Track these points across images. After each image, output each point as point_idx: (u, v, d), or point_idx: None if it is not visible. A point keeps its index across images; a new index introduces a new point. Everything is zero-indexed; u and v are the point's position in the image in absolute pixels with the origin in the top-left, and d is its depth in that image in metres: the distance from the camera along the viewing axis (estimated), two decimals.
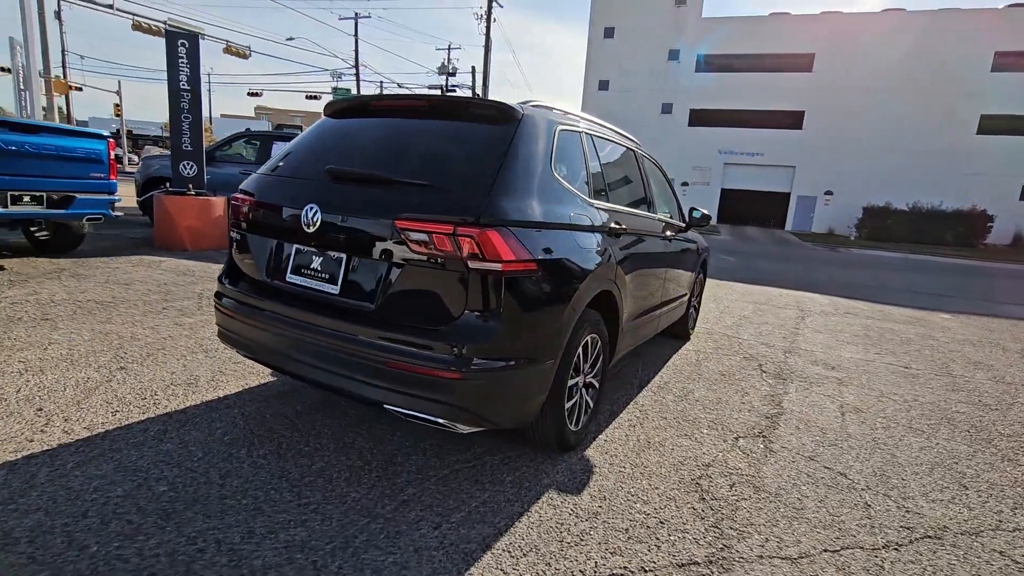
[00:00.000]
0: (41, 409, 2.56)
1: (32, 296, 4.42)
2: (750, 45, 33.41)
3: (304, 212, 2.14)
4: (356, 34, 35.83)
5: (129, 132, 47.59)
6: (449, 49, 39.59)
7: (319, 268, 2.18)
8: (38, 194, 5.19)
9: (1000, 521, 2.39)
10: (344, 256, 2.12)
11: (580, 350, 2.49)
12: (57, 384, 2.84)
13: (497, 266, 1.91)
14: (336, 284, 2.13)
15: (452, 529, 1.96)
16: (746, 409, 3.45)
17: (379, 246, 2.02)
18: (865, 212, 29.38)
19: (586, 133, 2.81)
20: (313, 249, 2.19)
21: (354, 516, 1.98)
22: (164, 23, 20.44)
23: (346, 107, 2.61)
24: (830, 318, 6.94)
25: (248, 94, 39.68)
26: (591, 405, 2.77)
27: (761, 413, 3.41)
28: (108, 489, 2.00)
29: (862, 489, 2.56)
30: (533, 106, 2.53)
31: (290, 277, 2.25)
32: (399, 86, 38.29)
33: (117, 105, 41.70)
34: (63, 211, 5.45)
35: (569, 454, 2.61)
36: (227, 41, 23.14)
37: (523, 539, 1.95)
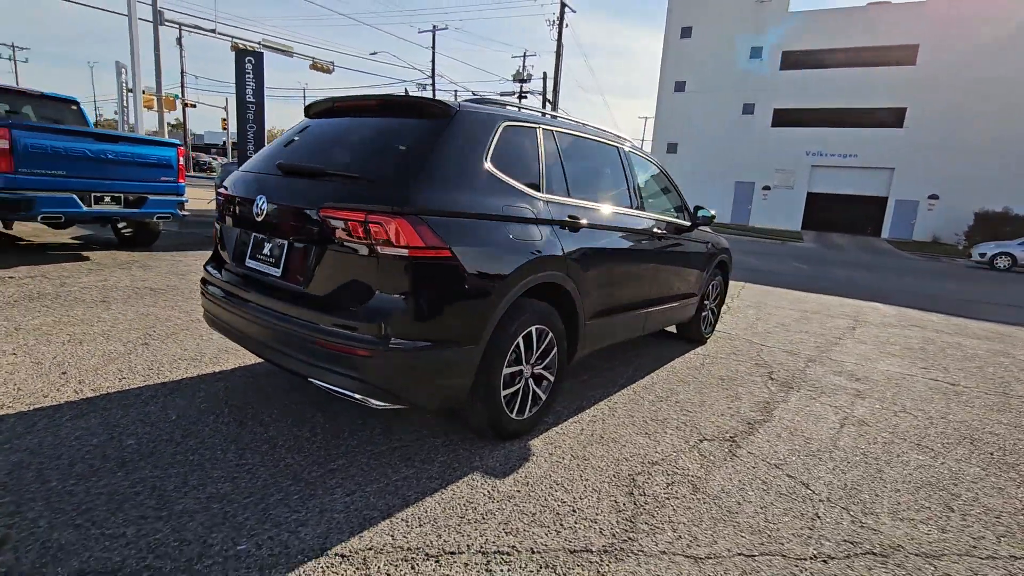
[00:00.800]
0: (65, 372, 3.00)
1: (101, 282, 5.10)
2: (844, 39, 31.08)
3: (255, 202, 2.38)
4: (433, 46, 37.29)
5: (235, 143, 52.42)
6: (524, 56, 40.00)
7: (268, 253, 2.41)
8: (116, 195, 5.96)
9: (974, 547, 2.16)
10: (285, 242, 2.33)
11: (520, 340, 2.54)
12: (87, 354, 3.30)
13: (404, 252, 2.02)
14: (279, 267, 2.34)
15: (363, 497, 2.09)
16: (728, 414, 3.30)
17: (309, 232, 2.20)
18: (977, 218, 26.31)
19: (545, 129, 2.86)
20: (264, 236, 2.42)
21: (280, 479, 2.17)
22: (259, 43, 22.44)
23: (318, 108, 2.84)
24: (887, 330, 6.38)
25: None
26: (542, 397, 2.80)
27: (744, 419, 3.25)
28: (86, 439, 2.33)
29: (819, 500, 2.40)
30: (477, 102, 2.63)
31: (248, 262, 2.50)
32: (473, 93, 39.37)
33: (224, 120, 46.23)
34: (137, 210, 6.21)
35: (513, 442, 2.66)
36: (313, 58, 24.97)
37: (425, 512, 2.04)
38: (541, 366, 2.75)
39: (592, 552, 1.91)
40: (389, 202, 2.05)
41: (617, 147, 3.53)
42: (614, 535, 2.02)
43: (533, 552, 1.88)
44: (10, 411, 2.52)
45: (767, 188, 33.86)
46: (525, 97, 35.64)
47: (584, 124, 3.35)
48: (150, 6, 18.33)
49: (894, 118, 30.37)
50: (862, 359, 4.94)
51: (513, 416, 2.60)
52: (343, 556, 1.76)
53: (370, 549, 1.81)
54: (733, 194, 35.12)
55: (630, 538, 2.01)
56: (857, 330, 6.22)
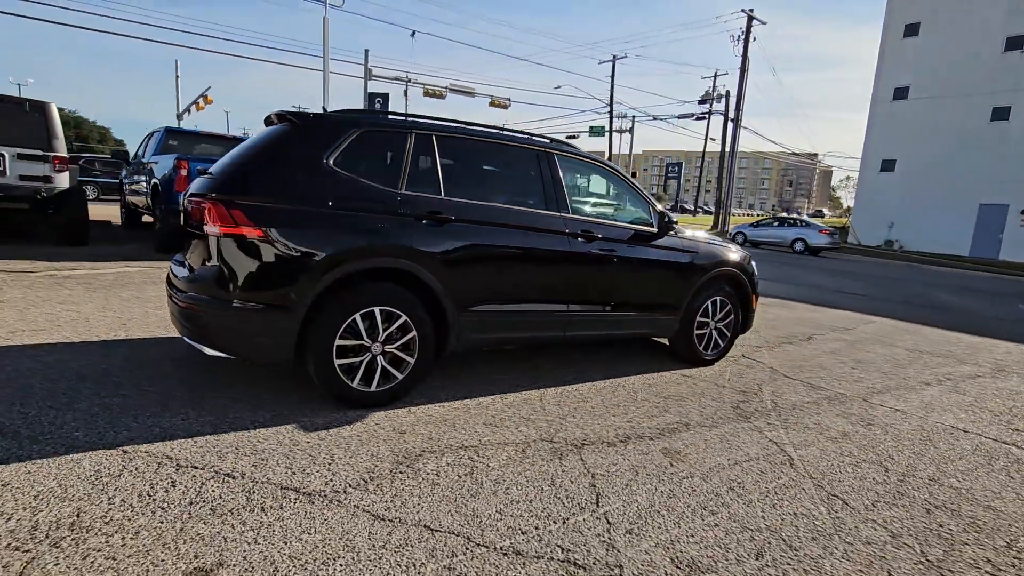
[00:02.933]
0: (125, 324, 4.23)
1: None
2: None
3: (182, 202, 3.17)
4: (612, 75, 37.97)
5: None
6: (715, 77, 38.23)
7: (187, 245, 3.16)
8: None
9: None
10: (190, 230, 3.05)
11: (358, 317, 2.87)
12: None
13: (216, 229, 2.57)
14: (187, 251, 3.08)
15: (185, 421, 2.65)
16: (598, 428, 3.08)
17: (190, 218, 2.89)
18: None
19: (420, 135, 3.15)
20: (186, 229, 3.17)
21: (148, 405, 2.86)
22: (446, 88, 25.78)
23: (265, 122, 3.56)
24: (1007, 379, 4.82)
25: None
26: (397, 376, 3.05)
27: (615, 436, 3.01)
28: (43, 367, 3.35)
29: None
30: (339, 111, 3.07)
31: (178, 256, 3.29)
32: (653, 118, 38.88)
33: None
34: None
35: (358, 410, 2.96)
36: (492, 96, 27.69)
37: (219, 439, 2.51)
38: (394, 346, 3.02)
39: (308, 493, 2.16)
40: (219, 191, 2.63)
41: (537, 151, 3.59)
42: (345, 488, 2.23)
43: (264, 482, 2.21)
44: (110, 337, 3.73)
45: None
46: (704, 119, 33.93)
47: (498, 130, 3.52)
48: (362, 65, 22.62)
49: None
50: (900, 407, 3.92)
51: (355, 386, 2.92)
52: (124, 451, 2.34)
53: (146, 452, 2.35)
54: (975, 220, 28.15)
55: (350, 493, 2.20)
56: (957, 379, 4.83)
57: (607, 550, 1.98)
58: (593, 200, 3.80)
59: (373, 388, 2.99)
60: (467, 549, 1.91)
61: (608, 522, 2.15)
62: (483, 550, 1.92)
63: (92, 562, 1.69)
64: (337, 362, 2.86)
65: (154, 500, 2.03)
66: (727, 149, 31.66)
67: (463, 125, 3.40)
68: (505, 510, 2.17)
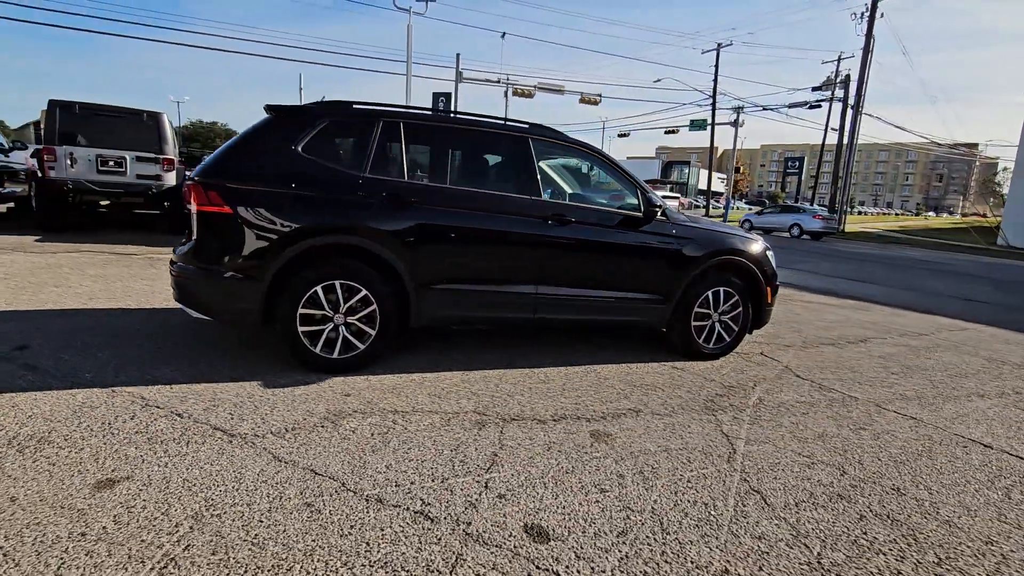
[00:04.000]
0: (129, 294, 4.94)
1: None
2: None
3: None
4: (716, 64, 35.90)
5: None
6: (839, 60, 34.70)
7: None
8: None
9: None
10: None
11: (319, 289, 3.16)
12: (160, 288, 5.22)
13: (195, 207, 2.99)
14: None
15: (174, 371, 3.11)
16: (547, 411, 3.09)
17: (183, 197, 3.36)
18: None
19: (386, 121, 3.37)
20: None
21: (153, 360, 3.37)
22: (534, 86, 26.09)
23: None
24: None
25: (618, 135, 44.93)
26: (359, 346, 3.31)
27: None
28: (79, 331, 4.01)
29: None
30: (319, 103, 3.37)
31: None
32: (763, 108, 36.10)
33: None
34: None
35: (321, 374, 3.26)
36: (582, 93, 27.53)
37: (191, 388, 2.93)
38: (355, 318, 3.28)
39: (232, 435, 2.48)
40: (201, 175, 3.05)
41: (510, 136, 3.66)
42: (266, 433, 2.52)
43: (202, 423, 2.57)
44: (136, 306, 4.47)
45: None
46: (818, 107, 30.91)
47: (469, 117, 3.64)
48: (454, 68, 23.62)
49: None
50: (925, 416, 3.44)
51: (318, 352, 3.23)
52: (113, 391, 2.82)
53: (128, 392, 2.82)
54: None
55: (267, 438, 2.48)
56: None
57: (466, 509, 2.05)
58: (573, 184, 3.78)
59: (335, 355, 3.27)
60: (335, 491, 2.10)
61: (485, 487, 2.22)
62: (349, 494, 2.09)
63: (38, 466, 2.11)
64: (300, 329, 3.18)
65: (110, 428, 2.45)
66: (844, 140, 28.63)
67: (434, 112, 3.58)
68: (394, 466, 2.32)
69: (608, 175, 4.04)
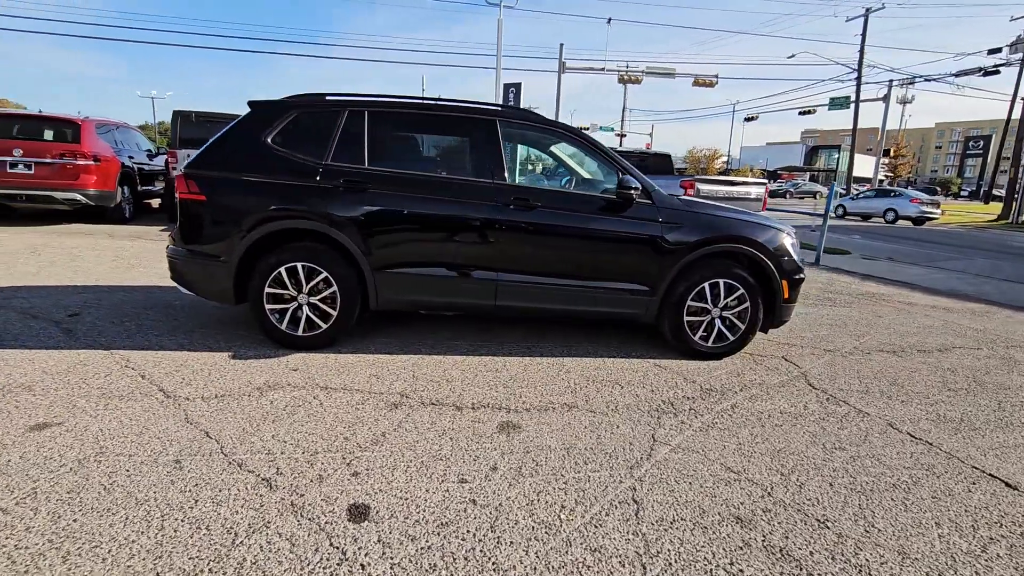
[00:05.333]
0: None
1: None
2: None
3: None
4: (864, 31, 31.39)
5: None
6: None
7: None
8: None
9: None
10: None
11: (283, 271, 3.41)
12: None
13: (178, 195, 3.38)
14: None
15: (173, 340, 3.56)
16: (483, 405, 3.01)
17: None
18: None
19: (352, 111, 3.50)
20: None
21: (160, 332, 3.87)
22: (642, 72, 25.04)
23: None
24: None
25: (745, 119, 41.42)
26: (321, 325, 3.51)
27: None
28: (80, 304, 4.65)
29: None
30: (293, 96, 3.59)
31: None
32: (924, 79, 30.81)
33: (648, 143, 52.11)
34: None
35: (288, 349, 3.51)
36: (695, 75, 25.79)
37: (175, 357, 3.34)
38: (317, 298, 3.48)
39: (169, 395, 2.80)
40: (187, 166, 3.44)
41: (477, 119, 3.59)
42: (196, 398, 2.80)
43: (155, 385, 2.94)
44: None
45: None
46: (996, 72, 25.60)
47: (437, 102, 3.64)
48: (556, 59, 23.48)
49: None
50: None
51: (284, 328, 3.48)
52: (110, 353, 3.31)
53: (120, 356, 3.28)
54: None
55: (194, 401, 2.76)
56: None
57: (311, 482, 2.11)
58: (544, 168, 3.60)
59: (299, 333, 3.50)
60: (209, 453, 2.27)
61: (347, 464, 2.26)
62: (219, 457, 2.25)
63: (6, 407, 2.56)
64: (268, 307, 3.45)
65: (82, 382, 2.88)
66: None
67: (401, 100, 3.64)
68: (280, 436, 2.45)
69: (590, 158, 3.81)
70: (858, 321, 5.31)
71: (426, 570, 1.70)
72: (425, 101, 3.69)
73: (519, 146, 4.30)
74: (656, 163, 11.04)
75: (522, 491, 2.14)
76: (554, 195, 3.61)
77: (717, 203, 4.16)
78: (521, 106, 10.82)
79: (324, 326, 3.52)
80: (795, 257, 3.84)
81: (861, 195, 26.12)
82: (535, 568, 1.73)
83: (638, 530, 1.94)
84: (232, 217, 3.39)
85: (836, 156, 62.08)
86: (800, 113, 35.50)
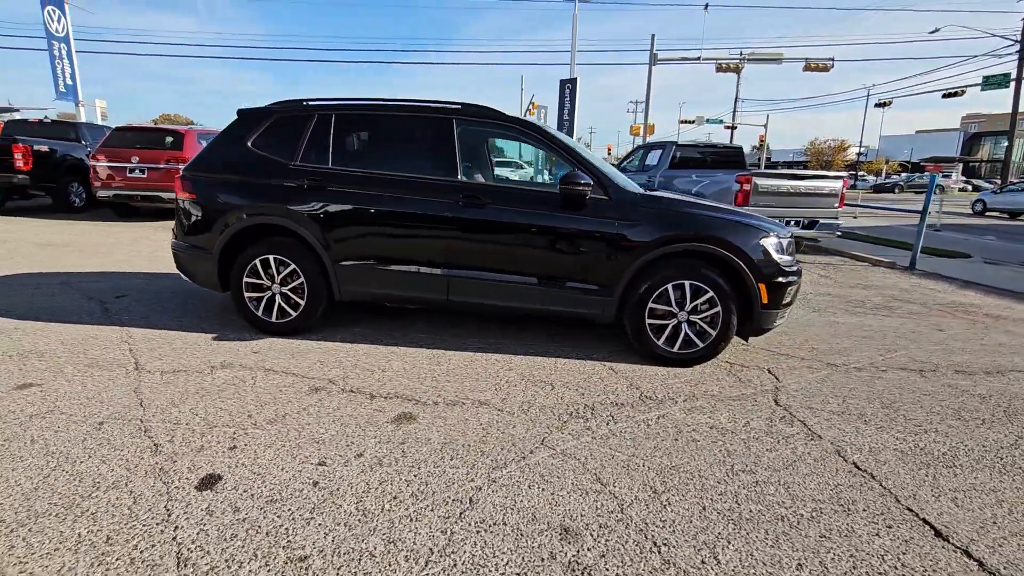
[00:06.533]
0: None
1: None
2: None
3: None
4: None
5: (768, 159, 54.00)
6: None
7: None
8: (799, 220, 8.20)
9: None
10: None
11: (257, 262, 3.75)
12: None
13: (175, 195, 3.85)
14: None
15: (159, 322, 4.06)
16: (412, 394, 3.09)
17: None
18: None
19: (321, 114, 3.73)
20: None
21: (179, 315, 4.41)
22: (742, 58, 23.33)
23: None
24: None
25: (876, 105, 36.83)
26: (291, 313, 3.80)
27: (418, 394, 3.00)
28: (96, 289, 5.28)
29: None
30: (276, 103, 3.90)
31: None
32: None
33: (761, 135, 48.28)
34: (810, 231, 8.35)
35: (262, 334, 3.85)
36: (806, 59, 23.44)
37: (164, 335, 3.82)
38: (288, 288, 3.78)
39: (137, 367, 3.24)
40: (184, 169, 3.91)
41: (433, 118, 3.67)
42: (157, 371, 3.21)
43: (130, 359, 3.40)
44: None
45: None
46: None
47: (399, 102, 3.77)
48: (647, 51, 22.62)
49: None
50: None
51: (259, 315, 3.83)
52: (121, 328, 3.87)
53: (124, 331, 3.82)
54: None
55: (153, 374, 3.15)
56: None
57: (189, 451, 2.35)
58: (499, 164, 3.55)
59: (274, 319, 3.83)
60: (131, 419, 2.61)
61: (232, 437, 2.47)
62: (137, 423, 2.57)
63: (9, 369, 3.12)
64: (246, 294, 3.82)
65: (82, 352, 3.41)
66: None
67: (364, 102, 3.82)
68: (198, 409, 2.73)
69: (549, 153, 3.71)
70: (903, 334, 4.61)
71: (226, 539, 1.84)
72: (386, 102, 3.83)
73: (491, 143, 4.30)
74: (723, 157, 10.29)
75: (368, 479, 2.21)
76: (506, 192, 3.59)
77: (696, 198, 3.86)
78: (594, 103, 10.66)
79: (294, 314, 3.81)
80: (777, 258, 3.45)
81: (1008, 188, 22.20)
82: (322, 550, 1.80)
83: (448, 528, 1.92)
84: (215, 214, 3.79)
85: (1004, 144, 53.14)
86: (944, 96, 30.76)
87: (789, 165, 57.70)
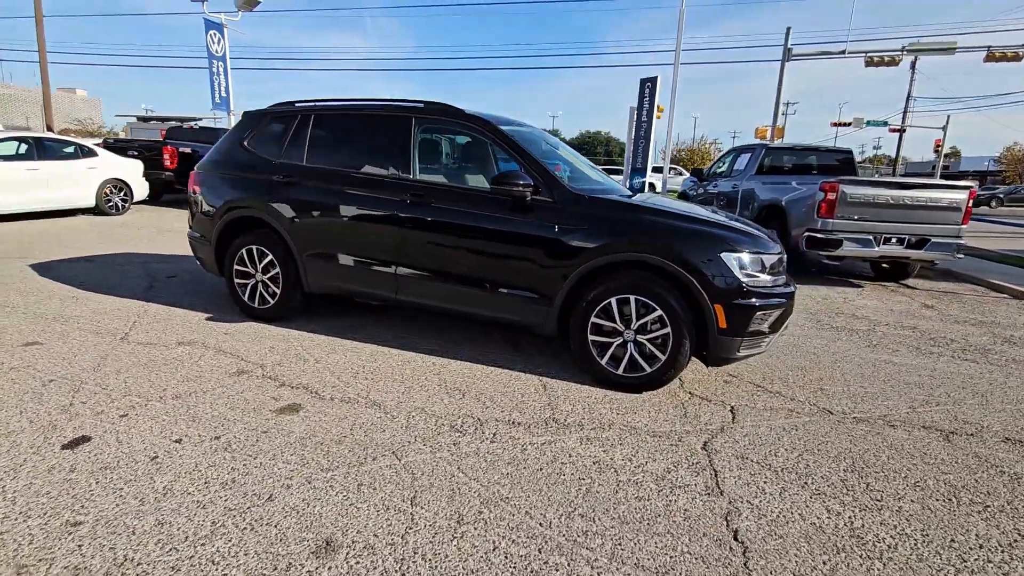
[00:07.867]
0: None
1: None
2: None
3: None
4: None
5: (945, 168, 45.59)
6: None
7: None
8: (903, 237, 6.51)
9: None
10: None
11: (243, 252, 4.09)
12: None
13: (188, 189, 4.34)
14: None
15: (173, 301, 4.58)
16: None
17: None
18: None
19: (303, 115, 3.95)
20: None
21: (192, 298, 4.95)
22: (901, 50, 20.19)
23: None
24: None
25: None
26: (269, 300, 4.08)
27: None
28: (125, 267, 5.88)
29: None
30: (274, 105, 4.19)
31: None
32: None
33: (938, 140, 41.20)
34: (917, 251, 6.57)
35: (248, 319, 4.18)
36: (988, 47, 19.51)
37: (164, 313, 4.32)
38: (267, 276, 4.07)
39: (123, 339, 3.71)
40: (196, 167, 4.39)
41: (394, 117, 3.69)
42: (134, 342, 3.64)
43: (122, 333, 3.90)
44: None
45: None
46: None
47: (370, 102, 3.84)
48: (781, 47, 20.52)
49: None
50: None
51: (246, 300, 4.18)
52: (139, 304, 4.46)
53: (139, 306, 4.39)
54: None
55: (130, 344, 3.58)
56: None
57: (88, 414, 2.63)
58: (449, 164, 3.45)
59: (256, 305, 4.15)
60: (75, 380, 2.99)
61: (129, 403, 2.72)
62: (76, 383, 2.95)
63: (35, 328, 3.74)
64: (236, 282, 4.18)
65: (95, 322, 3.99)
66: None
67: (339, 102, 3.95)
68: (131, 379, 3.05)
69: (503, 153, 3.53)
70: (969, 385, 3.64)
71: (40, 495, 2.02)
72: (356, 102, 3.94)
73: (455, 141, 4.23)
74: (826, 161, 8.99)
75: (200, 461, 2.28)
76: (451, 192, 3.48)
77: (681, 203, 3.41)
78: (679, 101, 9.95)
79: (271, 302, 4.09)
80: (740, 275, 2.93)
81: None
82: (98, 519, 1.90)
83: (221, 520, 1.92)
84: (212, 206, 4.20)
85: None
86: None
87: (981, 176, 48.66)
